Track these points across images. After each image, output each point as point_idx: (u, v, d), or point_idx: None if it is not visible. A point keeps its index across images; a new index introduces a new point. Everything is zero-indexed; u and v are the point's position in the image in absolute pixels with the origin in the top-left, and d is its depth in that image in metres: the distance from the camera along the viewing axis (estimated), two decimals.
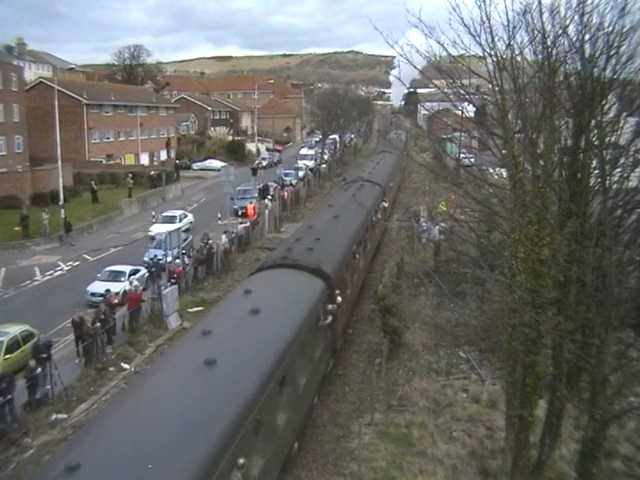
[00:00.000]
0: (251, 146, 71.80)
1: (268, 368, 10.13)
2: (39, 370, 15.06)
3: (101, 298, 20.35)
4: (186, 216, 35.30)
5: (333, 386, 16.29)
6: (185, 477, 7.03)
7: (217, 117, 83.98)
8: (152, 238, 30.15)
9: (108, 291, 20.51)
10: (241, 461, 8.43)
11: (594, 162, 10.07)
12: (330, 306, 14.94)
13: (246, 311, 11.54)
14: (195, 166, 62.20)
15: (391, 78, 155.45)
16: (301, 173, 52.85)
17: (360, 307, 21.90)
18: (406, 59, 10.65)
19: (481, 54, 10.09)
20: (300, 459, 12.81)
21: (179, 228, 28.43)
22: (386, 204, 31.07)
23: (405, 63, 10.72)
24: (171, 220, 33.19)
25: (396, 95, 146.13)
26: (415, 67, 11.56)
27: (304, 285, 14.45)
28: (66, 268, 27.81)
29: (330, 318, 14.65)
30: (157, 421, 7.96)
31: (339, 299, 15.69)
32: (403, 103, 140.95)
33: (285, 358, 10.98)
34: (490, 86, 10.25)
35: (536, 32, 9.82)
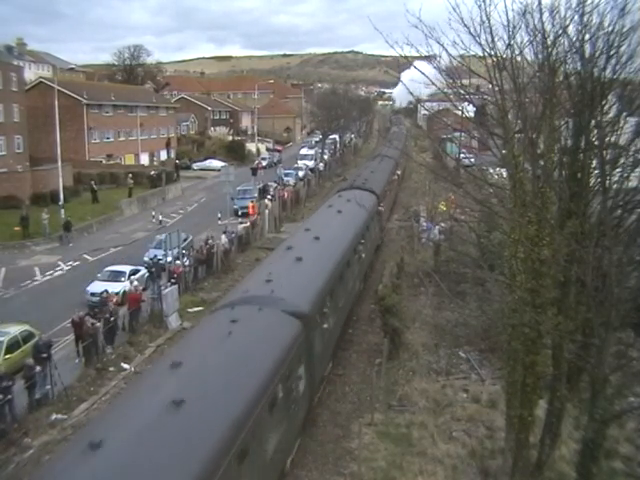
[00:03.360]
0: (251, 146, 71.78)
1: (363, 225, 22.35)
2: (37, 368, 15.04)
3: (99, 298, 20.36)
4: None
5: (333, 386, 16.29)
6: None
7: (217, 117, 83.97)
8: None
9: (106, 292, 20.51)
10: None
11: (594, 162, 10.07)
12: (379, 207, 28.74)
13: (345, 201, 24.41)
14: (195, 166, 62.18)
15: (394, 91, 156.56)
16: (301, 173, 52.85)
17: (360, 306, 21.92)
18: (406, 59, 10.66)
19: (481, 54, 10.09)
20: (300, 459, 12.82)
21: None
22: (399, 172, 45.06)
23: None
24: None
25: (399, 95, 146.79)
26: (416, 67, 11.57)
27: (366, 196, 26.35)
28: (66, 268, 27.80)
29: (383, 209, 30.26)
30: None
31: (382, 208, 29.70)
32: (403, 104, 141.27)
33: (365, 226, 22.96)
34: (490, 86, 10.25)
35: (536, 32, 9.83)
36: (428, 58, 10.87)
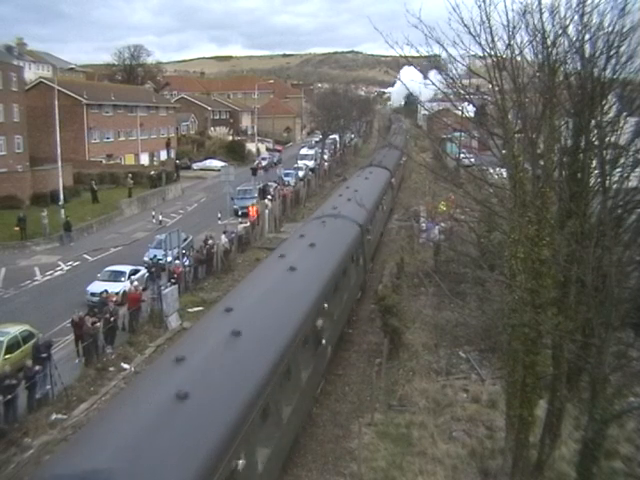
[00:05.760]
0: (251, 146, 71.76)
1: (382, 189, 31.51)
2: (37, 367, 15.04)
3: (99, 298, 20.37)
4: None
5: (333, 386, 16.29)
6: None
7: (217, 117, 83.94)
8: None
9: (106, 292, 20.51)
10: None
11: (594, 162, 10.07)
12: (392, 180, 37.45)
13: (368, 173, 34.39)
14: (195, 166, 62.13)
15: (391, 88, 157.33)
16: (301, 173, 52.85)
17: (360, 307, 21.92)
18: (406, 59, 10.66)
19: (481, 54, 10.09)
20: (300, 459, 12.82)
21: None
22: (404, 158, 51.03)
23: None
24: None
25: (397, 95, 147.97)
26: (416, 68, 11.58)
27: (382, 172, 36.04)
28: (66, 268, 27.81)
29: (395, 182, 40.63)
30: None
31: (393, 180, 39.15)
32: (403, 103, 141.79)
33: (384, 190, 32.09)
34: (490, 86, 10.25)
35: (536, 32, 9.82)
36: (428, 58, 10.88)
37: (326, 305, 14.51)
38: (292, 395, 11.46)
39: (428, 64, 11.45)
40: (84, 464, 6.88)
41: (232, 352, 9.95)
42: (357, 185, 28.83)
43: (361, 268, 21.18)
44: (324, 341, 13.87)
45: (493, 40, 9.67)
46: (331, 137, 72.34)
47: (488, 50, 9.79)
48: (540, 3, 9.55)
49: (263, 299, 12.58)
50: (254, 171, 52.79)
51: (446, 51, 10.29)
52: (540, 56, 10.02)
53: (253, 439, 8.87)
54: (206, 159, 63.41)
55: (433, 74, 11.34)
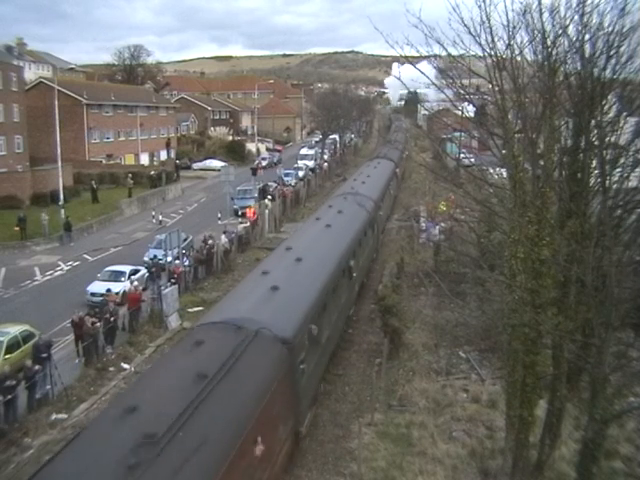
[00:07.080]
0: (251, 146, 71.76)
1: (389, 177, 37.46)
2: (37, 367, 15.04)
3: (101, 298, 20.40)
4: None
5: (333, 386, 16.29)
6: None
7: (217, 117, 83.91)
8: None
9: (109, 291, 20.52)
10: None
11: (594, 162, 10.07)
12: (396, 170, 43.14)
13: (376, 163, 41.52)
14: (195, 166, 62.11)
15: (387, 80, 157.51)
16: (301, 173, 52.83)
17: (360, 307, 21.93)
18: (405, 59, 10.67)
19: (481, 54, 10.09)
20: (300, 459, 12.82)
21: None
22: (407, 153, 57.01)
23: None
24: None
25: (394, 94, 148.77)
26: (416, 67, 11.58)
27: (388, 163, 42.48)
28: (66, 268, 27.81)
29: (399, 172, 46.04)
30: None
31: (398, 170, 44.86)
32: (403, 103, 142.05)
33: (390, 179, 37.60)
34: (490, 86, 10.25)
35: (536, 32, 9.84)
36: (428, 58, 10.89)
37: (354, 251, 19.42)
38: (337, 305, 16.27)
39: (436, 65, 11.44)
40: (229, 316, 11.56)
41: (297, 270, 14.73)
42: (368, 172, 35.16)
43: (375, 235, 26.15)
44: (355, 275, 19.17)
45: (493, 40, 9.69)
46: (331, 137, 72.34)
47: (488, 50, 9.80)
48: (540, 3, 9.57)
49: (312, 242, 17.79)
50: (254, 171, 52.78)
51: (446, 51, 10.30)
52: (540, 56, 10.03)
53: (320, 321, 13.56)
54: (206, 159, 63.37)
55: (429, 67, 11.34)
